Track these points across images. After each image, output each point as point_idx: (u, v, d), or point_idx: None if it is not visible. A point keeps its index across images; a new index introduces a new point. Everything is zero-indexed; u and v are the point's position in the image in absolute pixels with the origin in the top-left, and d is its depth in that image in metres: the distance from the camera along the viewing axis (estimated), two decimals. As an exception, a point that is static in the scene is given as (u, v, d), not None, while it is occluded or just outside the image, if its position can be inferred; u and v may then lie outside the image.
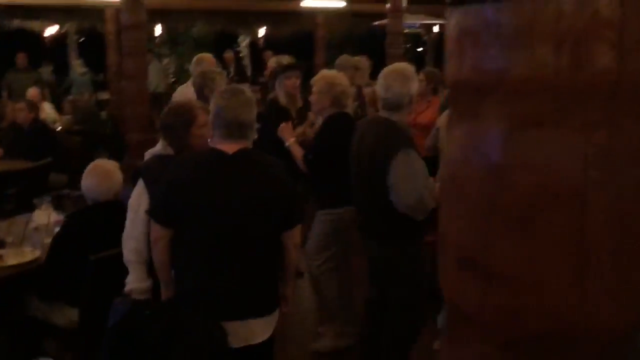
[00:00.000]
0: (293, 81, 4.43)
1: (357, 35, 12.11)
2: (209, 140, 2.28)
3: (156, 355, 2.03)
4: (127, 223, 2.50)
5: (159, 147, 2.70)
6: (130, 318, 2.16)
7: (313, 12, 10.91)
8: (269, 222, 2.21)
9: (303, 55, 12.57)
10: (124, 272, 2.93)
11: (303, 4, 10.51)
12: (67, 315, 2.92)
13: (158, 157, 2.57)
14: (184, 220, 2.17)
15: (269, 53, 10.91)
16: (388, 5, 6.87)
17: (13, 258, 2.99)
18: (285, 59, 4.98)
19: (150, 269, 2.49)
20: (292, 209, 2.28)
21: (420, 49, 15.03)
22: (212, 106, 2.24)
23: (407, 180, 2.54)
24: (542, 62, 0.58)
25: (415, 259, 2.76)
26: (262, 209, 2.19)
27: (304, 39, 12.66)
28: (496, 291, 0.64)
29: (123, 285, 2.93)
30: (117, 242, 2.77)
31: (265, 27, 12.36)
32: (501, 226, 0.63)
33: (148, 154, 2.74)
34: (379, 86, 2.83)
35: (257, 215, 2.18)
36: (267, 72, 5.13)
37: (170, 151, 2.55)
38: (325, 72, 3.63)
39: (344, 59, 5.18)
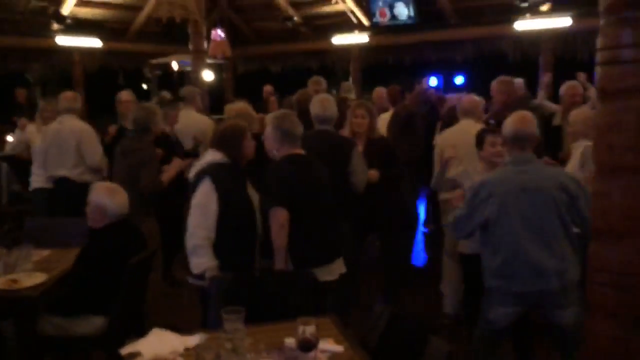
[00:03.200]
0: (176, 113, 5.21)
1: (111, 72, 12.29)
2: (275, 150, 3.18)
3: (274, 302, 2.77)
4: (196, 217, 3.06)
5: (211, 158, 3.23)
6: (236, 283, 2.83)
7: (69, 50, 10.79)
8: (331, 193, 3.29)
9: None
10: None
11: (59, 42, 10.37)
12: (94, 324, 3.18)
13: (218, 164, 3.16)
14: (298, 201, 3.03)
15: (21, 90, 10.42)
16: (191, 46, 7.69)
17: (28, 281, 3.11)
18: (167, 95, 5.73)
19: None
20: None
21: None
22: (276, 126, 3.16)
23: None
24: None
25: None
26: (328, 184, 3.27)
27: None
28: None
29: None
30: (132, 255, 3.24)
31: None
32: None
33: (199, 165, 3.25)
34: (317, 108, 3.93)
35: (329, 189, 3.25)
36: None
37: (225, 160, 3.19)
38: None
39: (190, 89, 5.99)
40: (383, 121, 5.83)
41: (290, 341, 2.28)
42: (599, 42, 2.00)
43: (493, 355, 3.11)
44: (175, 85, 14.33)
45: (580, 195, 2.86)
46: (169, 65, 12.53)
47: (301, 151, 3.22)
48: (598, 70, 2.01)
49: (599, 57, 2.00)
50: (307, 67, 12.79)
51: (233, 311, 2.33)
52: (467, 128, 4.20)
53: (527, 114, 3.16)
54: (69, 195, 4.59)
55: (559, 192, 2.85)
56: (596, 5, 2.04)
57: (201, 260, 3.07)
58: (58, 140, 4.92)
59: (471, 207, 3.03)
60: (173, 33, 8.25)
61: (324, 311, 2.70)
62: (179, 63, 11.90)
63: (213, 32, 11.18)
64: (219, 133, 3.31)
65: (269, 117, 3.27)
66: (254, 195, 3.27)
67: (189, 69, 9.81)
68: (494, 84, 5.05)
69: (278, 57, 12.99)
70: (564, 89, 5.38)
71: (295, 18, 11.22)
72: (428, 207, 7.13)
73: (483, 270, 3.09)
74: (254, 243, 3.18)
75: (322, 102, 3.93)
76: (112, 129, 5.65)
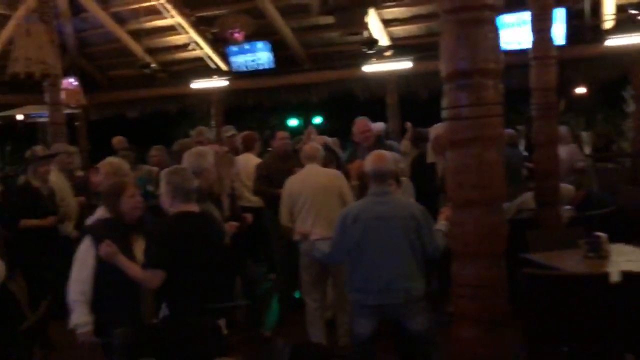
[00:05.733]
0: (46, 169, 5.15)
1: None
2: (169, 204, 3.19)
3: (179, 350, 2.90)
4: (74, 272, 3.13)
5: (99, 214, 3.29)
6: (138, 335, 2.91)
7: None
8: (223, 250, 3.40)
9: None
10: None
11: None
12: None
13: (102, 220, 3.24)
14: (177, 261, 3.02)
15: None
16: (47, 98, 7.36)
17: None
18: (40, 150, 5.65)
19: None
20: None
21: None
22: (166, 181, 3.18)
23: None
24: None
25: None
26: (220, 243, 3.38)
27: None
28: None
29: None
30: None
31: None
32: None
33: (91, 220, 3.29)
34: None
35: (220, 249, 3.32)
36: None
37: (109, 216, 3.24)
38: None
39: (56, 146, 5.86)
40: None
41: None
42: (444, 102, 2.49)
43: None
44: (21, 136, 13.47)
45: (425, 224, 3.35)
46: (12, 116, 11.81)
47: (194, 208, 3.22)
48: (446, 125, 2.50)
49: (445, 114, 2.49)
50: (166, 112, 12.80)
51: (144, 363, 2.46)
52: (313, 172, 4.62)
53: (384, 153, 3.58)
54: None
55: (409, 220, 3.31)
56: (432, 50, 2.51)
57: (73, 316, 3.10)
58: None
59: (342, 232, 3.42)
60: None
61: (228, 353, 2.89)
62: (29, 115, 11.29)
63: (64, 80, 10.79)
64: (103, 190, 3.39)
65: (163, 172, 3.29)
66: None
67: (42, 119, 9.33)
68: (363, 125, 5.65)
69: (135, 103, 12.79)
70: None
71: (153, 65, 11.22)
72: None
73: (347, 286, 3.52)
74: (137, 297, 3.15)
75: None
76: None
